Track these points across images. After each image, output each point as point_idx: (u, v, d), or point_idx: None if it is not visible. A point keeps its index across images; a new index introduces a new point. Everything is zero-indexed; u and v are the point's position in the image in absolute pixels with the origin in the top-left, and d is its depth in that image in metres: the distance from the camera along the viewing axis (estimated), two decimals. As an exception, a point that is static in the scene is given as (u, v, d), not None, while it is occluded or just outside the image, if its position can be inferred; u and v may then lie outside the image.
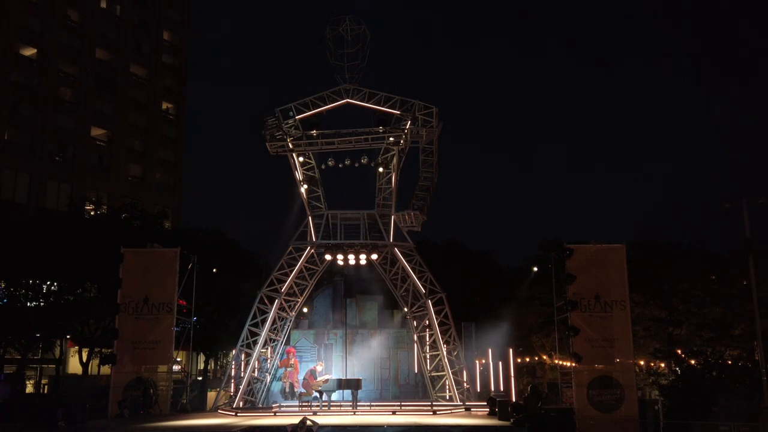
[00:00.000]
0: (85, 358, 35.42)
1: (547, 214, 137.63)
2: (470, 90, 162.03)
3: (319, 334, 31.63)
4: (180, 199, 59.66)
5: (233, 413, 25.69)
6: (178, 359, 35.06)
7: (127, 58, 57.11)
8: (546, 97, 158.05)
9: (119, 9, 57.45)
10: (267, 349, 30.10)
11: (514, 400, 25.77)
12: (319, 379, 28.04)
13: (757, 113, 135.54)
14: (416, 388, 30.86)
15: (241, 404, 28.30)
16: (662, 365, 36.09)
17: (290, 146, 29.15)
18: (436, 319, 29.42)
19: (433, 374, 30.05)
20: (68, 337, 36.76)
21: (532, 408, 21.92)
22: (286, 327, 30.78)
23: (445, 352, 29.25)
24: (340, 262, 29.54)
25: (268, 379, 30.27)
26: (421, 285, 29.74)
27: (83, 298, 33.95)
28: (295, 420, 19.27)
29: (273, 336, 30.16)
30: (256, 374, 29.48)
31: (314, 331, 31.85)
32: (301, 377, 29.97)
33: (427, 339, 30.44)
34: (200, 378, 42.58)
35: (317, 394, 27.16)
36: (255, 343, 29.26)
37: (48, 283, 34.09)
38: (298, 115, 29.16)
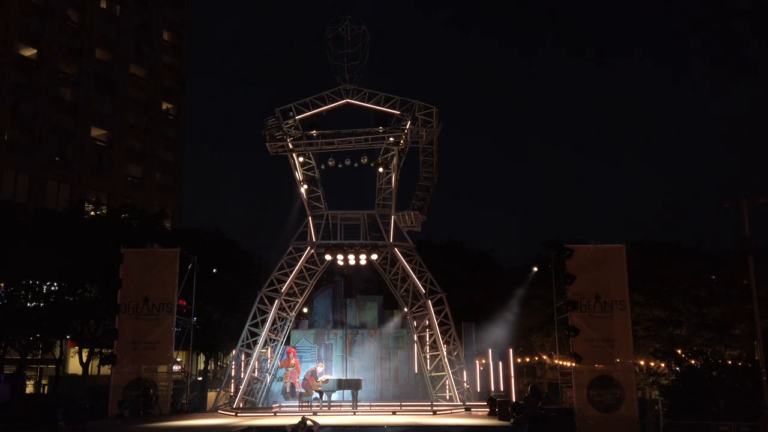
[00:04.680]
0: (85, 359, 35.46)
1: (547, 214, 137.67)
2: (470, 89, 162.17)
3: (319, 334, 31.63)
4: (180, 199, 59.71)
5: (233, 413, 25.71)
6: (178, 359, 35.04)
7: (127, 58, 57.06)
8: (547, 96, 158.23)
9: (119, 9, 57.39)
10: (267, 349, 30.11)
11: (514, 400, 25.77)
12: (319, 379, 28.10)
13: (757, 113, 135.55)
14: (416, 388, 30.83)
15: (241, 404, 28.32)
16: (662, 365, 36.08)
17: (290, 146, 29.14)
18: (436, 319, 29.42)
19: (433, 374, 30.04)
20: (68, 337, 36.77)
21: (532, 408, 21.90)
22: (286, 327, 30.79)
23: (445, 352, 29.25)
24: (340, 262, 29.56)
25: (268, 380, 30.27)
26: (421, 285, 29.74)
27: (83, 298, 33.97)
28: (295, 420, 19.31)
29: (273, 336, 30.17)
30: (256, 374, 29.50)
31: (314, 331, 31.85)
32: (301, 378, 29.98)
33: (427, 339, 30.44)
34: (200, 378, 42.57)
35: (317, 395, 27.18)
36: (255, 343, 29.28)
37: (48, 283, 34.10)
38: (298, 115, 29.16)
